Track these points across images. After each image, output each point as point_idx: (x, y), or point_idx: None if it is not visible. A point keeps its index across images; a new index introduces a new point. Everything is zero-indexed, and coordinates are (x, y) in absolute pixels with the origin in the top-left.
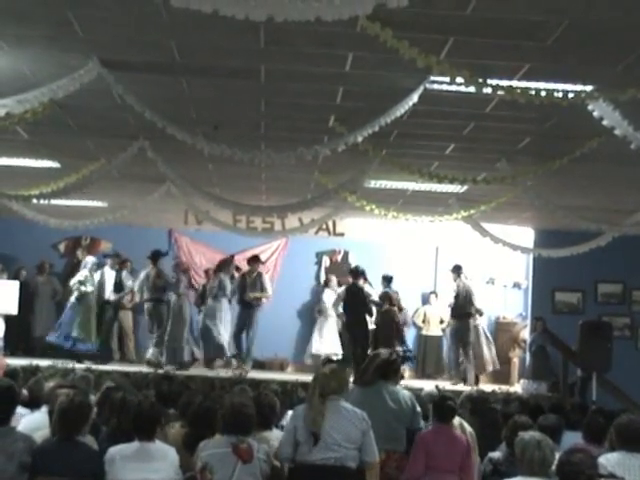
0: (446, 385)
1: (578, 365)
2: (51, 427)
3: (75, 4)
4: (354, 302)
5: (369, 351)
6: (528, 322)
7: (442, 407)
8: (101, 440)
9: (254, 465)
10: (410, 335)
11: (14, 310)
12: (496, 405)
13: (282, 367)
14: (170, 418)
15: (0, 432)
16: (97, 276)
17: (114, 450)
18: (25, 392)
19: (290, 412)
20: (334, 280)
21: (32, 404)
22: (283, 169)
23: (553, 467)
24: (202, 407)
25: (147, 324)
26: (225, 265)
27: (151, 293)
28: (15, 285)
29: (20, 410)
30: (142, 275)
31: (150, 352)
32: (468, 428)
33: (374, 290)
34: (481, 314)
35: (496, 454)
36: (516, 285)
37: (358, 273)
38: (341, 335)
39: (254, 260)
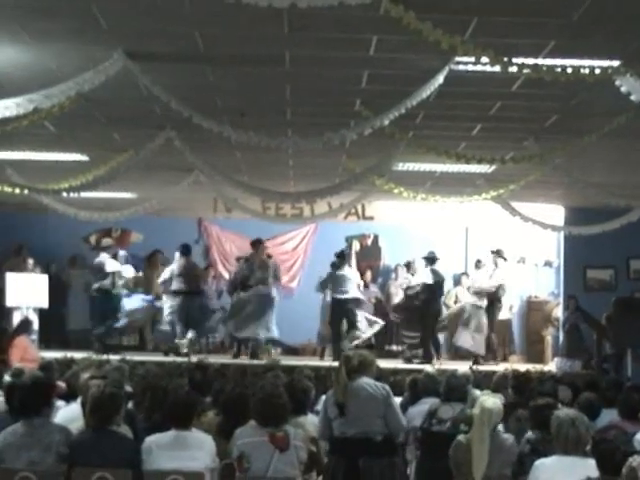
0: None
1: (612, 342)
2: (85, 418)
3: None
4: None
5: None
6: (560, 300)
7: None
8: (138, 429)
9: (291, 453)
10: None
11: (45, 303)
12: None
13: (315, 353)
14: (204, 406)
15: (35, 424)
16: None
17: (151, 439)
18: (62, 384)
19: (324, 397)
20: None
21: (69, 396)
22: (310, 155)
23: (589, 446)
24: (234, 394)
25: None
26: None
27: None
28: (44, 279)
29: (58, 403)
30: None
31: (184, 342)
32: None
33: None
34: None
35: (532, 434)
36: (547, 263)
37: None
38: None
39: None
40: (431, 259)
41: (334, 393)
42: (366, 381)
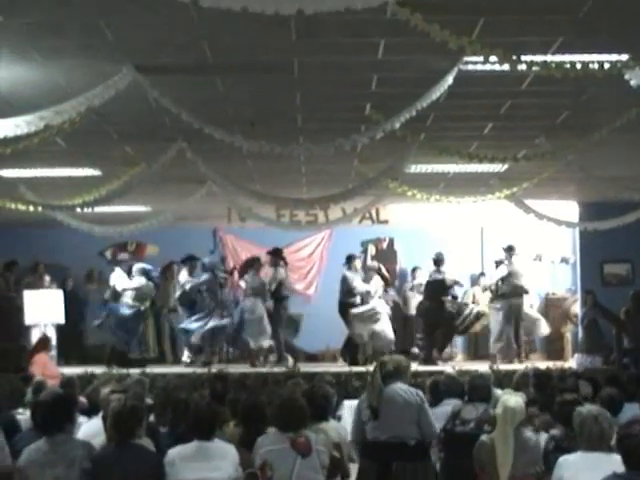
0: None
1: (631, 336)
2: (106, 433)
3: (106, 12)
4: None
5: None
6: (578, 296)
7: None
8: (160, 442)
9: (313, 458)
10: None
11: (61, 319)
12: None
13: (335, 359)
14: (225, 417)
15: (58, 440)
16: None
17: (173, 452)
18: (83, 400)
19: (346, 402)
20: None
21: (90, 411)
22: (322, 161)
23: (613, 441)
24: (249, 403)
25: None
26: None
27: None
28: (60, 294)
29: (80, 418)
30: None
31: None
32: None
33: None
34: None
35: (556, 431)
36: (564, 260)
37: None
38: None
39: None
40: (435, 261)
41: (367, 397)
42: (400, 386)
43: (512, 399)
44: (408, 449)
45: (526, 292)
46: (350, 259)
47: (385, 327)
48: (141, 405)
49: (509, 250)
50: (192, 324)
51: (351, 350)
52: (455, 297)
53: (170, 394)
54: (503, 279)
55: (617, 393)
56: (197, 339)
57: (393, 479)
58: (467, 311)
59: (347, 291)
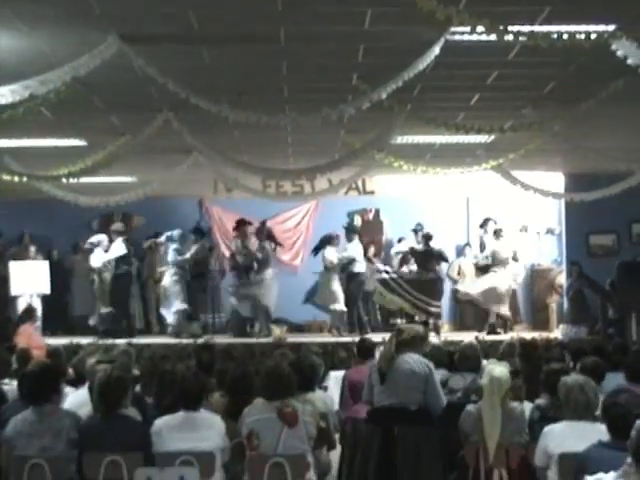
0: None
1: (616, 306)
2: (92, 403)
3: None
4: None
5: None
6: (564, 267)
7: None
8: (147, 412)
9: (300, 428)
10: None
11: (47, 290)
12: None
13: (321, 329)
14: (212, 387)
15: (44, 411)
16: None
17: (160, 422)
18: (70, 370)
19: (332, 373)
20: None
21: (77, 382)
22: (309, 131)
23: (598, 410)
24: (237, 373)
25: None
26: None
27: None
28: (45, 265)
29: (66, 389)
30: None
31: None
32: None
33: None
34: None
35: (542, 400)
36: (549, 231)
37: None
38: None
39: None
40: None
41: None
42: (411, 356)
43: (497, 369)
44: (409, 413)
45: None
46: (327, 240)
47: None
48: (127, 375)
49: (483, 224)
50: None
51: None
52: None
53: (156, 365)
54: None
55: (599, 362)
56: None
57: (395, 443)
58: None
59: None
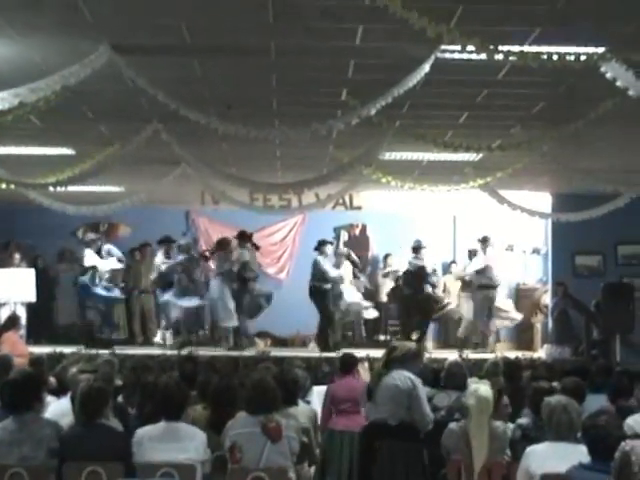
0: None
1: (601, 327)
2: (74, 413)
3: None
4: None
5: None
6: (549, 287)
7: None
8: (129, 422)
9: (283, 443)
10: None
11: (32, 297)
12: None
13: (305, 344)
14: (192, 400)
15: (26, 419)
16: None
17: (141, 432)
18: (52, 380)
19: (315, 388)
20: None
21: (59, 391)
22: (298, 145)
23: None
24: (220, 386)
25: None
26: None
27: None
28: (31, 273)
29: (48, 398)
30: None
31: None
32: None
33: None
34: None
35: (524, 420)
36: (535, 250)
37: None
38: None
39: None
40: (415, 248)
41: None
42: (400, 372)
43: (483, 388)
44: (389, 428)
45: (497, 285)
46: (321, 244)
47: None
48: (108, 386)
49: (484, 241)
50: (172, 297)
51: (324, 336)
52: (433, 285)
53: (139, 375)
54: (478, 271)
55: (581, 382)
56: (177, 314)
57: (376, 456)
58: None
59: (319, 276)
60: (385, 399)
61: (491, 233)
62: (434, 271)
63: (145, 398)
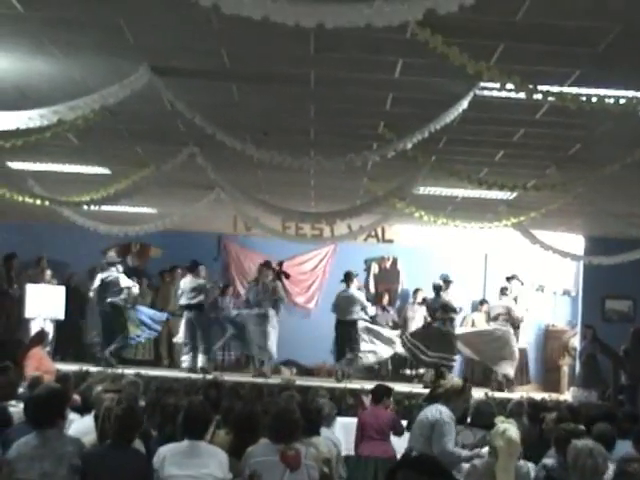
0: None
1: (629, 373)
2: (97, 431)
3: (126, 11)
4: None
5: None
6: (578, 330)
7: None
8: (151, 445)
9: (302, 472)
10: None
11: (61, 315)
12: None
13: (330, 374)
14: (216, 424)
15: (48, 435)
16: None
17: (164, 449)
18: (77, 397)
19: (339, 419)
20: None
21: (83, 409)
22: (332, 176)
23: (605, 476)
24: (244, 412)
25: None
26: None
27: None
28: (62, 290)
29: (71, 415)
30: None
31: (200, 359)
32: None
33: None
34: None
35: (549, 461)
36: (566, 292)
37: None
38: None
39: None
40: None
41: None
42: (437, 406)
43: (512, 429)
44: (409, 458)
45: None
46: (348, 276)
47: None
48: (140, 409)
49: (511, 279)
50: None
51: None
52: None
53: (160, 397)
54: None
55: (610, 429)
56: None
57: None
58: None
59: (360, 309)
60: (414, 430)
61: (522, 272)
62: (460, 308)
63: (166, 420)
